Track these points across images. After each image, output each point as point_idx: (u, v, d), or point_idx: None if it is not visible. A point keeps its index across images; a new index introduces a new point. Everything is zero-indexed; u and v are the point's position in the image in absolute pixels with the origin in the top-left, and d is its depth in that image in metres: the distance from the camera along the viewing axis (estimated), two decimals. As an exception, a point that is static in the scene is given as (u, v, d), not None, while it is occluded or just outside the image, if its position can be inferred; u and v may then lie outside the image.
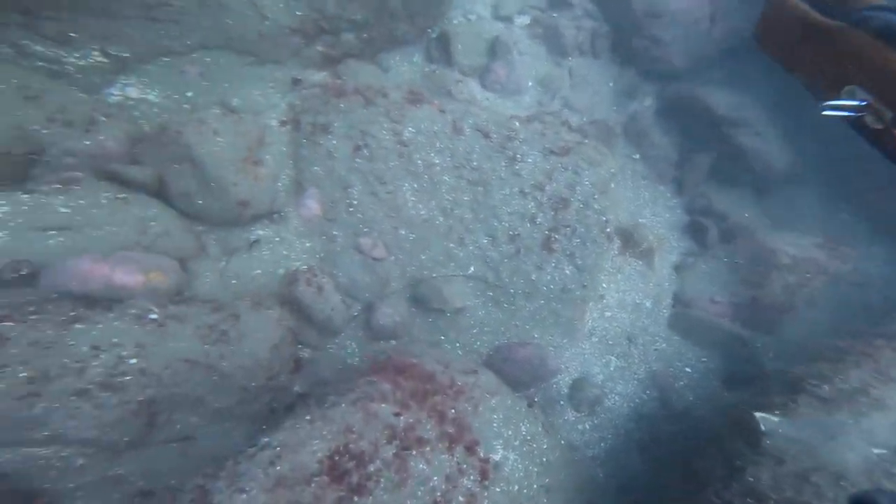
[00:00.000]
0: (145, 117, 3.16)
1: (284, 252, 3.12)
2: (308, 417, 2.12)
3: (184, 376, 2.42)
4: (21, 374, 2.07)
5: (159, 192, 2.91)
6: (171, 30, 3.27)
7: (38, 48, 2.76)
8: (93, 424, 2.18)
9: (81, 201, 2.61)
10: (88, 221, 2.58)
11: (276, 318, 2.71)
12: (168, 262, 2.70)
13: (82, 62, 2.93)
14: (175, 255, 2.75)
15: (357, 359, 3.10)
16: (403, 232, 3.32)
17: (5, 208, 2.36)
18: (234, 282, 2.93)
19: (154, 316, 2.44)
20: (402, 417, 2.20)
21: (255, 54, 3.53)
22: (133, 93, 3.16)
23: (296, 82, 3.53)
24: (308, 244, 3.21)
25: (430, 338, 3.30)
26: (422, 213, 3.34)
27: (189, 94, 3.39)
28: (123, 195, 2.73)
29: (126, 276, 2.48)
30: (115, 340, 2.31)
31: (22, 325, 2.20)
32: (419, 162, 3.36)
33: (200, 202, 2.93)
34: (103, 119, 2.86)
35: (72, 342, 2.23)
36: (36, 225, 2.43)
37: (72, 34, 2.85)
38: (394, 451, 2.09)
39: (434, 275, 3.30)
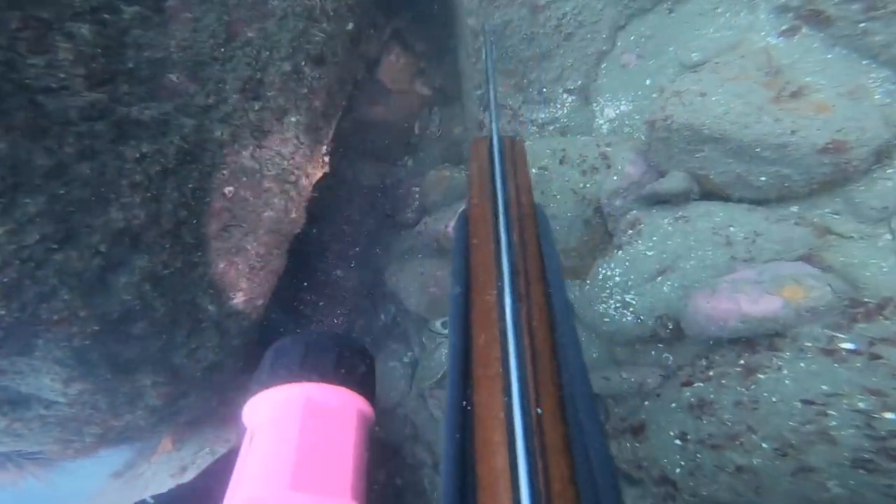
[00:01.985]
0: (632, 127, 2.78)
1: None
2: None
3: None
4: (764, 445, 1.65)
5: (709, 191, 2.32)
6: (584, 35, 2.85)
7: (542, 115, 2.79)
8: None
9: (654, 238, 2.25)
10: (674, 254, 2.18)
11: None
12: (790, 266, 1.93)
13: (563, 110, 2.82)
14: (791, 254, 1.99)
15: None
16: None
17: (617, 271, 2.21)
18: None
19: (849, 345, 1.64)
20: None
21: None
22: (609, 113, 2.83)
23: (773, -28, 2.42)
24: None
25: None
26: None
27: (647, 81, 2.85)
28: (679, 214, 2.27)
29: (754, 303, 1.85)
30: (824, 388, 1.61)
31: (707, 383, 1.86)
32: None
33: (763, 178, 2.14)
34: (608, 149, 2.58)
35: (773, 397, 1.70)
36: (643, 275, 2.18)
37: (543, 90, 2.77)
38: None
39: None
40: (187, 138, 1.54)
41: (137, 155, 1.39)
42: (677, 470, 1.90)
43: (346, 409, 1.25)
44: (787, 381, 1.66)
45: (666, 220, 2.27)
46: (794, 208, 2.06)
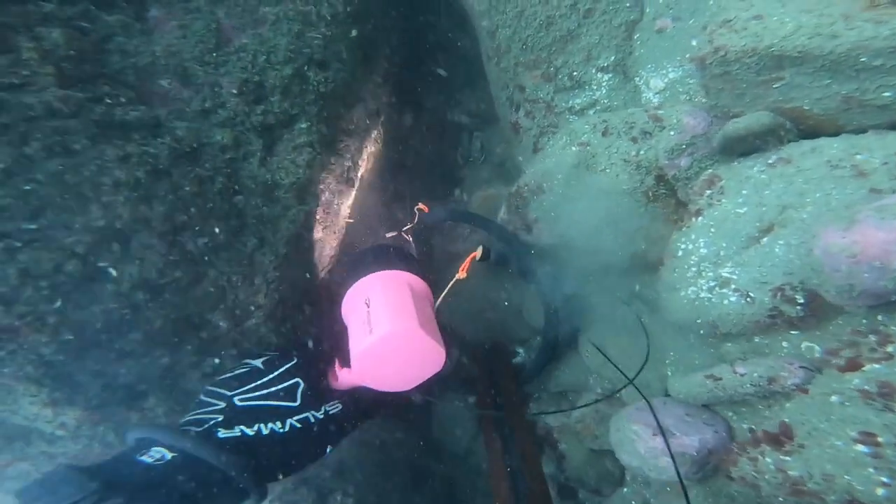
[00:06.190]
0: (690, 93, 2.24)
1: None
2: None
3: None
4: None
5: (811, 129, 1.65)
6: (605, 8, 2.41)
7: (578, 101, 2.38)
8: None
9: (744, 191, 1.63)
10: (779, 204, 1.53)
11: None
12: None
13: (601, 90, 2.39)
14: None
15: None
16: None
17: (702, 241, 1.63)
18: None
19: None
20: None
21: None
22: (657, 84, 2.34)
23: None
24: None
25: None
26: None
27: (693, 42, 2.28)
28: (775, 158, 1.65)
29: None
30: None
31: (888, 363, 1.15)
32: None
33: (888, 93, 1.40)
34: (660, 112, 2.07)
35: None
36: (740, 240, 1.56)
37: (574, 73, 2.39)
38: None
39: None
40: (181, 140, 1.39)
41: (121, 154, 1.24)
42: (879, 491, 1.14)
43: (426, 292, 1.75)
44: None
45: (756, 169, 1.65)
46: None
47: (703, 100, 2.05)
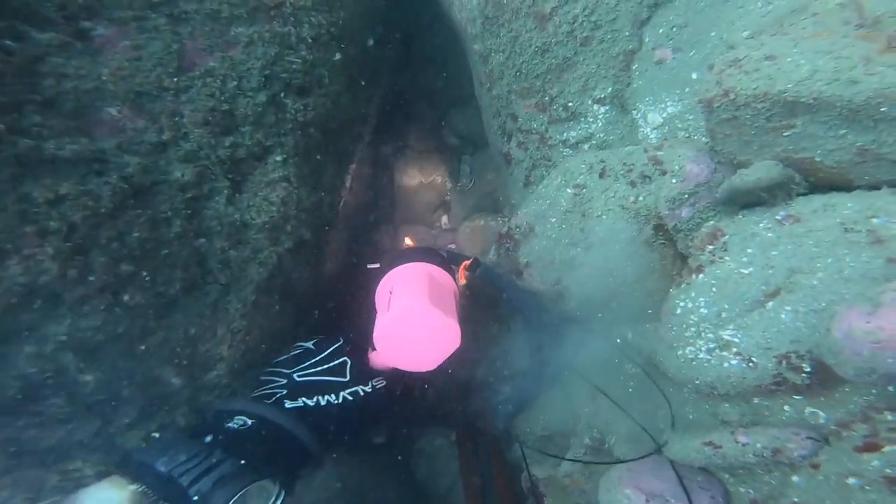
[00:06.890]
0: (689, 130, 2.16)
1: None
2: None
3: None
4: None
5: (822, 181, 1.56)
6: (603, 37, 2.31)
7: (573, 134, 2.27)
8: None
9: (748, 250, 1.50)
10: (787, 268, 1.42)
11: None
12: None
13: (597, 123, 2.28)
14: None
15: None
16: None
17: (702, 301, 1.51)
18: None
19: None
20: None
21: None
22: (655, 119, 2.25)
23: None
24: None
25: None
26: None
27: (694, 75, 2.24)
28: (783, 214, 1.54)
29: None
30: None
31: None
32: None
33: None
34: (660, 153, 1.97)
35: None
36: (743, 302, 1.44)
37: (569, 104, 2.27)
38: None
39: None
40: (130, 178, 1.20)
41: (52, 197, 1.05)
42: None
43: (450, 283, 1.84)
44: None
45: (762, 226, 1.55)
46: None
47: (703, 139, 1.96)
